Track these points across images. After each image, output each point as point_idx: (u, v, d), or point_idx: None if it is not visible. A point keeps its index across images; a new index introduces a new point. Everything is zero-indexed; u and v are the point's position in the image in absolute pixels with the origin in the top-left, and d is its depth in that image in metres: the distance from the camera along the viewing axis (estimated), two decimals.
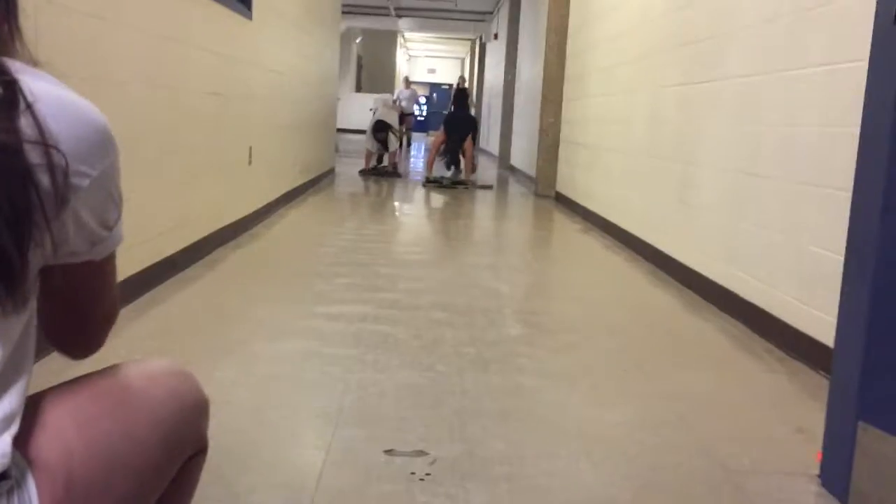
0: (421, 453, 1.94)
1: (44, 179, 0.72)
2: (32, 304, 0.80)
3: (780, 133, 3.25)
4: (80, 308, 0.89)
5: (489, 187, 9.38)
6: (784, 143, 3.22)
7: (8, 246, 0.70)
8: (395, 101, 17.13)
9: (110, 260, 0.87)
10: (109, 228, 0.82)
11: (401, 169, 10.76)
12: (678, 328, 3.43)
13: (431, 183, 9.28)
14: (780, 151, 3.24)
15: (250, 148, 5.18)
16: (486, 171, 12.74)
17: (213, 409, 2.19)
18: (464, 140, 9.61)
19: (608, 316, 3.55)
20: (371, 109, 10.91)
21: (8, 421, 0.74)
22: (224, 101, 4.51)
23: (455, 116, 10.02)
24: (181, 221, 3.85)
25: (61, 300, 0.86)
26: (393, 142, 10.04)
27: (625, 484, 1.86)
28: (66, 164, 0.73)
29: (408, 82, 18.72)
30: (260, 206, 5.56)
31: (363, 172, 10.16)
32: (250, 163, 5.21)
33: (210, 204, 4.37)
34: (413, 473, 1.83)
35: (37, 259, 0.75)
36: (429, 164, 9.94)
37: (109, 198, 0.81)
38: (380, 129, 9.91)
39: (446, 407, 2.27)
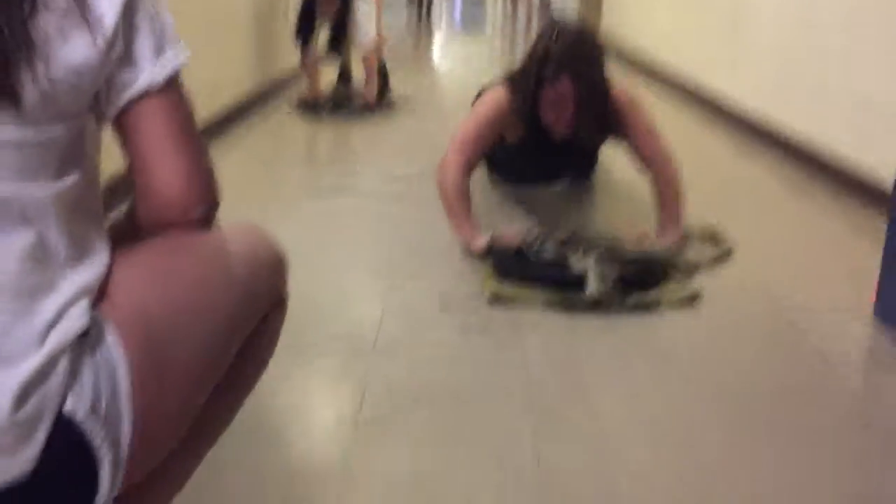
0: (476, 306, 1.97)
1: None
2: (89, 169, 0.81)
3: None
4: (157, 155, 0.85)
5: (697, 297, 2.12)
6: None
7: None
8: None
9: (174, 99, 0.87)
10: (163, 51, 0.85)
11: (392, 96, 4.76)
12: (729, 171, 3.37)
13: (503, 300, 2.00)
14: None
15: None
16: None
17: None
18: (596, 147, 2.89)
19: None
20: None
21: (87, 291, 0.77)
22: None
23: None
24: (224, 81, 3.81)
25: (139, 151, 0.85)
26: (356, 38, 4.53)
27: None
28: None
29: None
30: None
31: (301, 105, 4.43)
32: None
33: (252, 58, 4.30)
34: (469, 324, 1.88)
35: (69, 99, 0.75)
36: (457, 224, 2.32)
37: (149, 25, 0.83)
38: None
39: None
